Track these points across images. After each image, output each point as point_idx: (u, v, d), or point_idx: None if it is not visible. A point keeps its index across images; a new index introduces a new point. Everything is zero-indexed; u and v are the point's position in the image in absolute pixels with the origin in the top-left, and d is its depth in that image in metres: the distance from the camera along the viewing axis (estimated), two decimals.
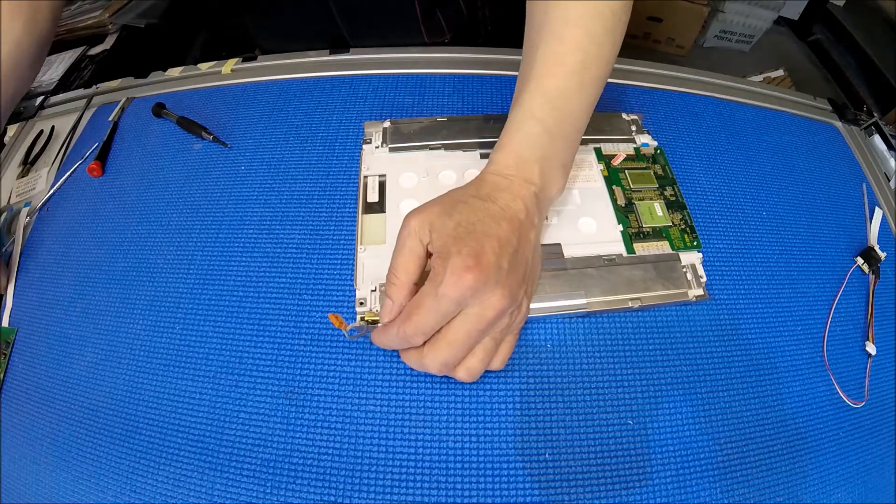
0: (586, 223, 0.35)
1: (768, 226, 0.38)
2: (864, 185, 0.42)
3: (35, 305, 0.36)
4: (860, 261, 0.37)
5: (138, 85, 0.51)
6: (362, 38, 0.53)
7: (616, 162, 0.38)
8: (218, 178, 0.40)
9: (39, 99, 0.51)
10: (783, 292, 0.35)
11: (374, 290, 0.32)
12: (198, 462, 0.29)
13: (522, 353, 0.31)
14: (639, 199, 0.37)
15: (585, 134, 0.32)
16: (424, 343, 0.26)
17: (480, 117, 0.42)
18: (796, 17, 1.56)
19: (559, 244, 0.34)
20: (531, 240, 0.28)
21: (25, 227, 0.40)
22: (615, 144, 0.40)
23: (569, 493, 0.28)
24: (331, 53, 0.49)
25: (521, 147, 0.29)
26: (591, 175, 0.38)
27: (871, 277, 0.37)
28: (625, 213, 0.36)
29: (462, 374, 0.26)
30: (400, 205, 0.36)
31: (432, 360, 0.26)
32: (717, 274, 0.35)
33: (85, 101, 0.49)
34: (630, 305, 0.32)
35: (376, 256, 0.33)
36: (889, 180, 0.44)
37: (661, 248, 0.34)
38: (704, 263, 0.35)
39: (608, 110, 0.43)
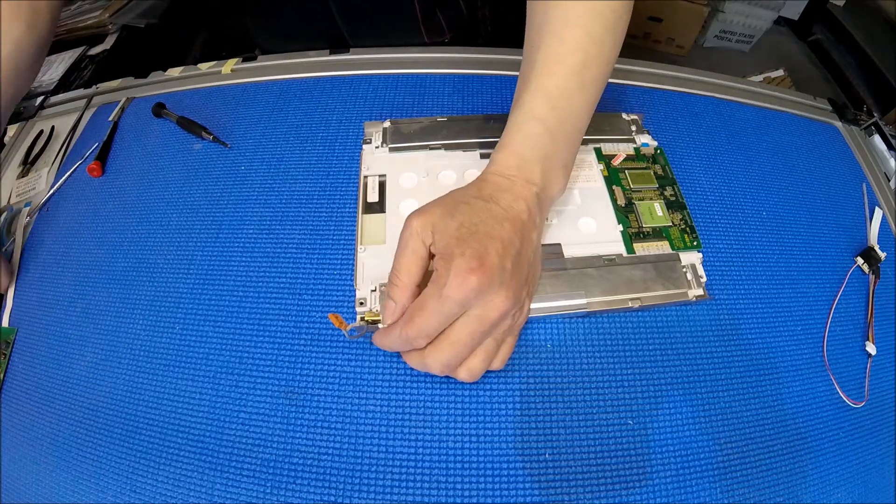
0: (586, 223, 0.35)
1: (768, 226, 0.38)
2: (864, 185, 0.42)
3: (35, 305, 0.36)
4: (860, 261, 0.37)
5: (138, 85, 0.51)
6: (362, 38, 0.53)
7: (616, 162, 0.38)
8: (218, 178, 0.40)
9: (39, 99, 0.51)
10: (783, 292, 0.35)
11: (374, 290, 0.32)
12: (198, 462, 0.29)
13: (522, 353, 0.31)
14: (639, 199, 0.37)
15: (585, 134, 0.32)
16: (427, 344, 0.26)
17: (480, 117, 0.42)
18: (796, 17, 1.56)
19: (559, 244, 0.34)
20: (533, 241, 0.28)
21: (25, 227, 0.40)
22: (615, 144, 0.40)
23: (569, 493, 0.28)
24: (331, 53, 0.49)
25: (522, 147, 0.29)
26: (591, 175, 0.38)
27: (871, 277, 0.37)
28: (625, 213, 0.36)
29: (463, 374, 0.26)
30: (400, 205, 0.36)
31: (434, 361, 0.26)
32: (717, 274, 0.35)
33: (85, 101, 0.49)
34: (630, 305, 0.32)
35: (376, 256, 0.33)
36: (889, 180, 0.44)
37: (661, 248, 0.34)
38: (704, 263, 0.35)
39: (608, 110, 0.43)
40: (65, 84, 0.63)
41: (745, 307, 0.34)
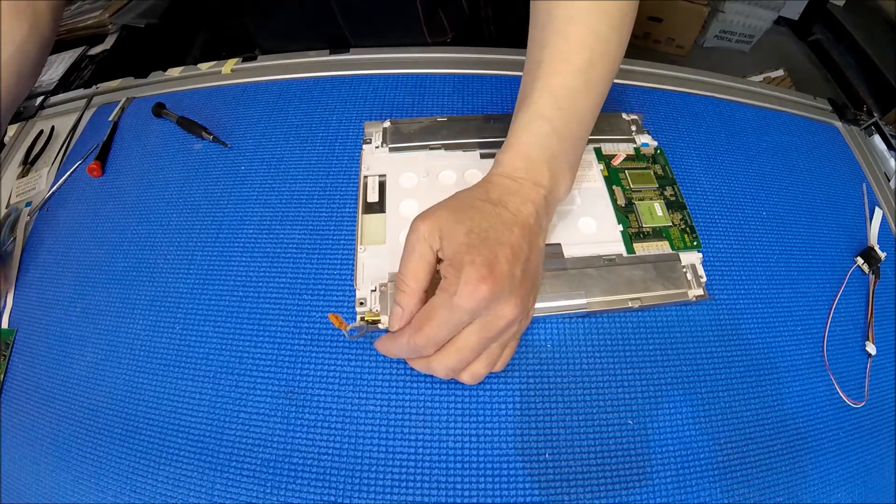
0: (586, 223, 0.35)
1: (768, 226, 0.38)
2: (864, 185, 0.42)
3: (35, 305, 0.36)
4: (860, 261, 0.37)
5: (138, 85, 0.51)
6: (364, 38, 0.53)
7: (616, 162, 0.38)
8: (218, 178, 0.40)
9: (39, 99, 0.51)
10: (783, 292, 0.35)
11: (374, 290, 0.32)
12: (198, 462, 0.29)
13: (522, 353, 0.31)
14: (639, 199, 0.37)
15: None
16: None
17: (480, 117, 0.42)
18: (796, 17, 1.56)
19: (559, 244, 0.34)
20: (540, 245, 0.28)
21: (25, 227, 0.40)
22: (615, 144, 0.40)
23: (569, 493, 0.28)
24: (331, 53, 0.49)
25: (529, 148, 0.29)
26: (591, 175, 0.38)
27: (871, 277, 0.37)
28: (625, 213, 0.36)
29: (466, 377, 0.26)
30: (400, 205, 0.36)
31: (440, 366, 0.25)
32: (717, 274, 0.35)
33: (85, 101, 0.49)
34: (630, 305, 0.32)
35: (376, 256, 0.33)
36: (889, 180, 0.44)
37: (661, 248, 0.34)
38: (704, 263, 0.35)
39: (608, 110, 0.43)
40: (65, 84, 0.64)
41: (745, 307, 0.34)
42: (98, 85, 0.51)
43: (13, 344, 0.35)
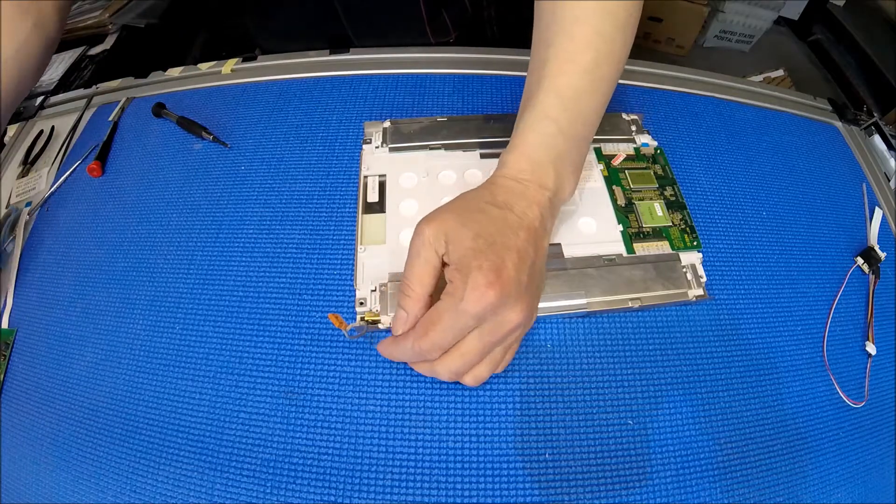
0: (586, 223, 0.35)
1: (768, 226, 0.38)
2: (864, 185, 0.42)
3: (35, 305, 0.36)
4: (860, 261, 0.37)
5: (138, 85, 0.51)
6: (367, 38, 0.53)
7: (616, 162, 0.38)
8: (218, 178, 0.40)
9: (39, 99, 0.51)
10: (783, 292, 0.35)
11: (374, 290, 0.32)
12: (198, 462, 0.29)
13: (522, 353, 0.31)
14: (639, 199, 0.37)
15: None
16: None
17: (480, 117, 0.42)
18: (796, 17, 1.56)
19: (559, 244, 0.34)
20: (545, 247, 0.28)
21: (25, 227, 0.40)
22: (615, 144, 0.40)
23: (569, 493, 0.28)
24: (331, 53, 0.49)
25: (534, 149, 0.28)
26: (591, 175, 0.38)
27: (871, 277, 0.37)
28: (625, 213, 0.36)
29: (469, 380, 0.26)
30: (400, 205, 0.36)
31: (444, 370, 0.25)
32: (717, 274, 0.35)
33: (85, 101, 0.49)
34: (630, 305, 0.32)
35: (376, 256, 0.33)
36: (889, 180, 0.44)
37: (661, 248, 0.34)
38: (704, 263, 0.35)
39: (608, 110, 0.42)
40: (65, 84, 0.64)
41: (745, 307, 0.34)
42: (98, 85, 0.51)
43: (13, 344, 0.35)
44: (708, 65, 1.37)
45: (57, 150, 0.45)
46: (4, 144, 0.47)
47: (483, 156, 0.38)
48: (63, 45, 0.70)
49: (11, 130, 0.48)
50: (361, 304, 0.32)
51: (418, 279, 0.25)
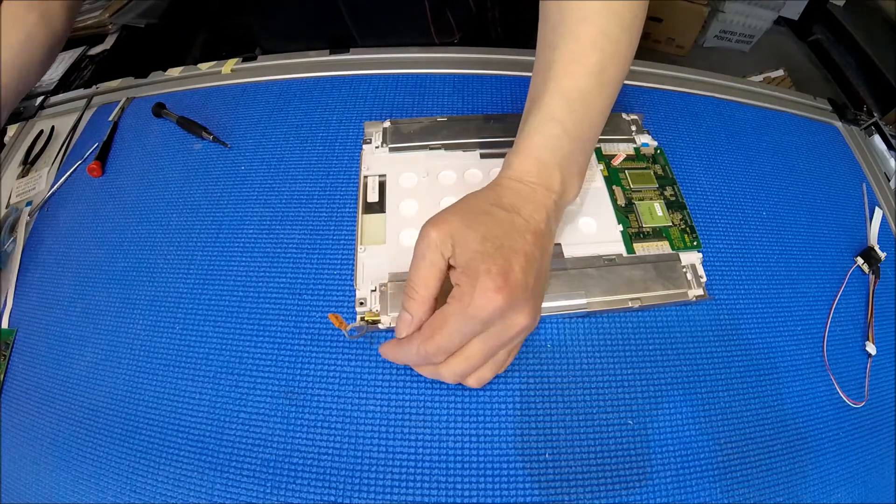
0: (586, 223, 0.35)
1: (768, 226, 0.38)
2: (864, 185, 0.42)
3: (35, 305, 0.36)
4: (860, 261, 0.37)
5: (138, 85, 0.51)
6: (370, 39, 0.53)
7: (616, 162, 0.38)
8: (218, 178, 0.40)
9: (39, 99, 0.51)
10: (783, 292, 0.35)
11: (374, 290, 0.32)
12: (198, 462, 0.29)
13: (522, 353, 0.31)
14: (639, 199, 0.37)
15: None
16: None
17: (480, 117, 0.42)
18: (796, 17, 1.56)
19: (559, 244, 0.34)
20: (550, 251, 0.28)
21: (25, 227, 0.40)
22: (615, 144, 0.40)
23: (569, 493, 0.28)
24: (331, 53, 0.49)
25: (541, 151, 0.28)
26: (591, 175, 0.38)
27: (871, 277, 0.37)
28: (625, 213, 0.36)
29: (473, 382, 0.26)
30: (400, 205, 0.36)
31: (449, 372, 0.25)
32: (717, 274, 0.35)
33: (85, 101, 0.49)
34: (630, 305, 0.32)
35: (376, 256, 0.33)
36: (889, 180, 0.44)
37: (661, 248, 0.34)
38: (704, 263, 0.35)
39: None
40: (65, 84, 0.64)
41: (745, 307, 0.34)
42: (98, 85, 0.51)
43: (13, 344, 0.35)
44: (708, 65, 1.37)
45: (57, 150, 0.45)
46: (4, 144, 0.47)
47: (483, 156, 0.38)
48: (63, 45, 0.70)
49: (11, 130, 0.48)
50: (361, 304, 0.32)
51: (423, 282, 0.25)
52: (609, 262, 0.33)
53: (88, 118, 0.48)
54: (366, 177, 0.38)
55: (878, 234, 0.39)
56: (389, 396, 0.30)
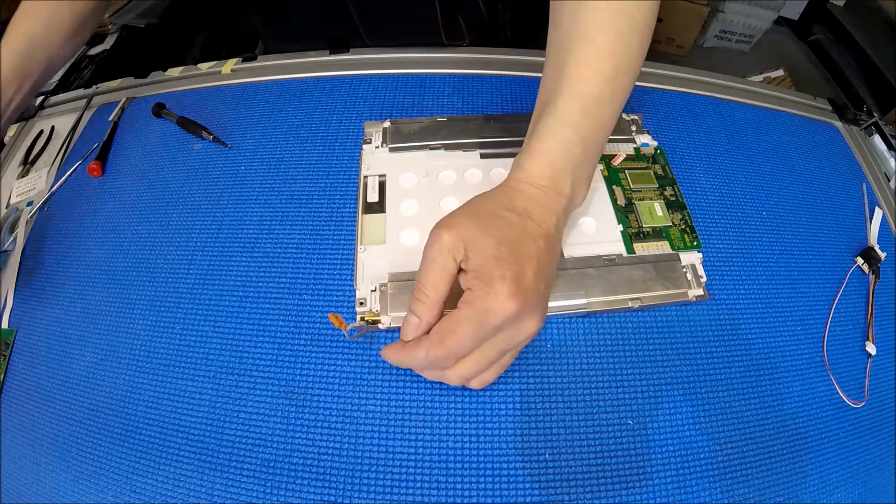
0: (586, 223, 0.35)
1: (768, 226, 0.38)
2: (864, 185, 0.42)
3: (35, 305, 0.36)
4: (860, 261, 0.37)
5: (138, 85, 0.51)
6: (381, 41, 0.53)
7: (616, 162, 0.38)
8: (218, 178, 0.40)
9: (39, 99, 0.51)
10: (783, 292, 0.35)
11: (374, 290, 0.32)
12: (198, 462, 0.29)
13: (522, 353, 0.31)
14: (639, 199, 0.37)
15: None
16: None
17: (480, 117, 0.42)
18: (796, 17, 1.56)
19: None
20: (558, 255, 0.28)
21: (26, 227, 0.40)
22: (615, 144, 0.40)
23: (569, 493, 0.28)
24: (331, 53, 0.49)
25: (555, 155, 0.28)
26: None
27: (871, 277, 0.37)
28: (625, 213, 0.36)
29: (475, 383, 0.26)
30: (400, 205, 0.36)
31: (455, 376, 0.25)
32: (717, 274, 0.35)
33: (85, 101, 0.49)
34: (630, 305, 0.32)
35: (376, 256, 0.33)
36: (889, 180, 0.44)
37: (661, 248, 0.34)
38: (704, 263, 0.35)
39: None
40: (65, 84, 0.64)
41: (745, 307, 0.34)
42: (98, 85, 0.51)
43: (13, 344, 0.35)
44: (708, 65, 1.37)
45: (57, 150, 0.45)
46: (4, 144, 0.47)
47: (483, 156, 0.38)
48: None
49: (11, 130, 0.48)
50: (361, 304, 0.32)
51: (433, 285, 0.25)
52: (609, 262, 0.33)
53: (88, 118, 0.48)
54: (366, 177, 0.38)
55: (878, 234, 0.39)
56: (389, 396, 0.30)
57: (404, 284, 0.32)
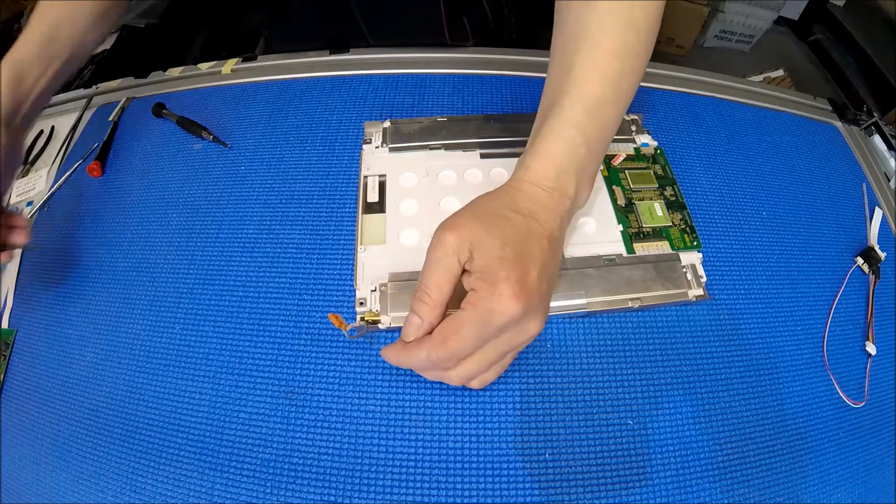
0: (586, 223, 0.35)
1: (768, 226, 0.38)
2: (864, 185, 0.42)
3: (35, 305, 0.36)
4: (860, 261, 0.37)
5: (138, 85, 0.51)
6: (383, 40, 0.52)
7: (616, 162, 0.38)
8: (218, 178, 0.40)
9: None
10: (783, 292, 0.35)
11: (374, 290, 0.32)
12: (198, 462, 0.29)
13: (522, 353, 0.31)
14: (639, 199, 0.37)
15: None
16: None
17: (480, 117, 0.42)
18: (796, 17, 1.56)
19: None
20: (560, 257, 0.28)
21: None
22: (615, 144, 0.40)
23: (569, 493, 0.28)
24: (331, 53, 0.49)
25: (561, 157, 0.28)
26: None
27: (871, 277, 0.37)
28: (625, 213, 0.36)
29: (476, 384, 0.26)
30: (400, 205, 0.36)
31: (457, 377, 0.25)
32: (717, 274, 0.35)
33: (85, 101, 0.49)
34: (630, 305, 0.32)
35: (376, 256, 0.33)
36: (889, 180, 0.44)
37: (661, 248, 0.34)
38: (704, 263, 0.35)
39: None
40: (65, 84, 0.63)
41: (745, 307, 0.34)
42: (98, 85, 0.51)
43: (13, 344, 0.35)
44: (708, 65, 1.37)
45: (57, 150, 0.45)
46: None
47: (483, 156, 0.38)
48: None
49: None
50: (361, 304, 0.32)
51: (436, 286, 0.25)
52: (609, 262, 0.33)
53: (88, 118, 0.48)
54: (366, 177, 0.38)
55: (878, 234, 0.39)
56: (389, 396, 0.30)
57: (404, 284, 0.32)
